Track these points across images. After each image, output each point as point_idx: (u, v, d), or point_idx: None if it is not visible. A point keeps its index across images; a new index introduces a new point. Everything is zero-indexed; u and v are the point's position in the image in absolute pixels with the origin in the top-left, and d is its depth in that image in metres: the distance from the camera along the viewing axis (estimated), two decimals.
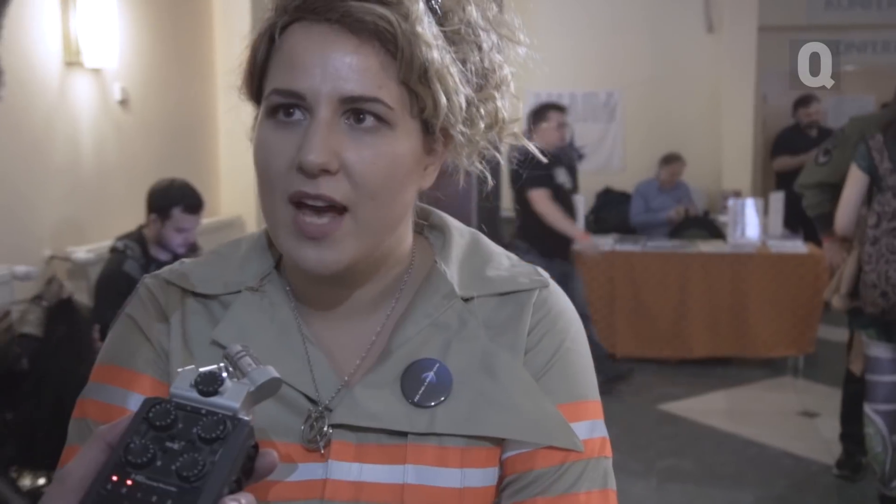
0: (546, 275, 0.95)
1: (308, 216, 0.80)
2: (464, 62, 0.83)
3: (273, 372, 0.68)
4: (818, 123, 7.38)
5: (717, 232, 6.79)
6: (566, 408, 0.88)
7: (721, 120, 8.27)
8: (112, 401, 0.86)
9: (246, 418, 0.65)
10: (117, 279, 3.34)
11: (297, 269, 0.89)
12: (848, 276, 3.47)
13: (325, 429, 0.84)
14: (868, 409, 3.47)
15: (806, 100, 7.38)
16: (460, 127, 0.83)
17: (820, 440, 4.62)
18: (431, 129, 0.84)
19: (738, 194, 7.19)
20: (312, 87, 0.79)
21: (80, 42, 4.15)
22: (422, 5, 0.79)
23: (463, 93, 0.82)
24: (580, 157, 8.78)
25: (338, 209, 0.80)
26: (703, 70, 8.47)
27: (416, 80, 0.79)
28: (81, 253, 4.07)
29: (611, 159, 8.85)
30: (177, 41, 5.11)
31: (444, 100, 0.80)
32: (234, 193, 5.59)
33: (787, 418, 5.02)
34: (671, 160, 7.11)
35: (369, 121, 0.80)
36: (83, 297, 3.96)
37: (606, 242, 6.12)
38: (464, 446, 0.84)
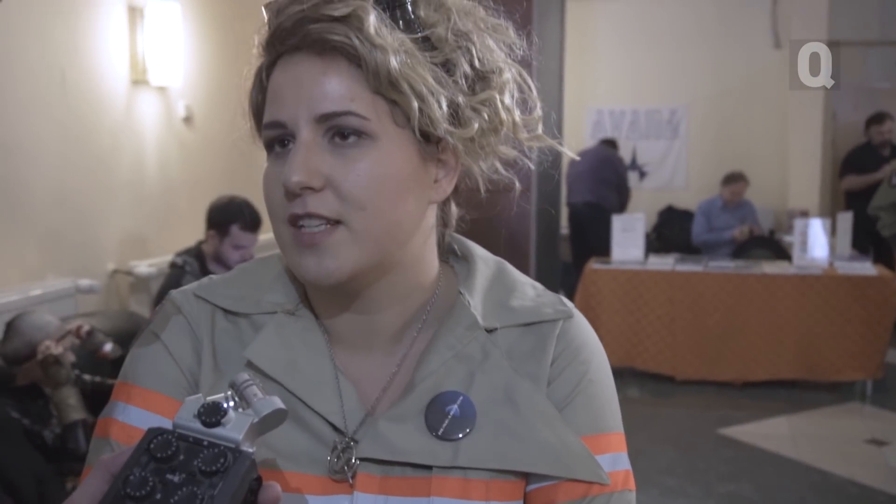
0: (570, 304, 0.94)
1: (305, 231, 0.82)
2: (452, 66, 0.83)
3: (278, 403, 0.67)
4: (892, 142, 7.17)
5: (782, 252, 6.64)
6: (589, 440, 0.87)
7: (788, 137, 8.10)
8: (132, 422, 0.86)
9: (249, 450, 0.64)
10: None
11: (319, 296, 0.90)
12: None
13: (353, 460, 0.83)
14: None
15: (879, 117, 7.19)
16: (446, 127, 0.82)
17: (888, 469, 4.47)
18: (422, 135, 0.84)
19: (805, 214, 7.03)
20: (290, 114, 0.82)
21: (146, 61, 4.26)
22: (374, 15, 0.80)
23: (444, 94, 0.82)
24: (642, 174, 8.70)
25: (331, 223, 0.81)
26: (770, 86, 8.31)
27: (386, 87, 0.80)
28: (143, 267, 4.16)
29: (674, 177, 8.73)
30: (241, 59, 5.19)
31: (415, 102, 0.81)
32: None
33: (854, 445, 4.86)
34: (733, 179, 6.98)
35: (351, 136, 0.81)
36: (145, 311, 4.04)
37: (667, 262, 6.03)
38: (488, 479, 0.84)
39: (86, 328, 3.07)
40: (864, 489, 4.25)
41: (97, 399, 2.94)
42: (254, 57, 0.88)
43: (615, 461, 0.88)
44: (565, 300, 0.94)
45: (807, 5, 7.81)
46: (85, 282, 3.75)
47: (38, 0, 3.63)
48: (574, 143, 7.78)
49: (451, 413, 0.85)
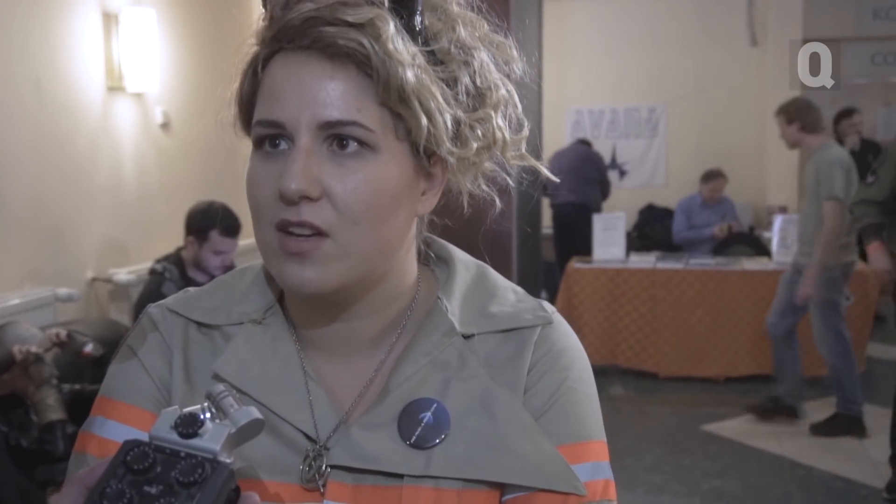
0: (551, 309, 0.92)
1: (292, 238, 0.80)
2: (454, 81, 0.82)
3: (255, 413, 0.67)
4: (861, 134, 7.22)
5: (762, 248, 6.68)
6: (567, 449, 0.85)
7: (766, 134, 8.15)
8: (110, 436, 0.85)
9: (226, 461, 0.64)
10: (156, 301, 3.36)
11: (296, 302, 0.89)
12: None
13: (324, 468, 0.82)
14: None
15: (848, 111, 7.27)
16: (448, 146, 0.81)
17: (869, 462, 4.50)
18: (423, 152, 0.82)
19: (783, 210, 7.08)
20: (291, 116, 0.79)
21: (122, 67, 4.23)
22: (392, 26, 0.78)
23: (449, 112, 0.80)
24: (622, 173, 8.73)
25: (321, 234, 0.79)
26: (747, 84, 8.37)
27: (395, 100, 0.78)
28: (123, 275, 4.13)
29: (653, 175, 8.77)
30: (218, 65, 5.16)
31: (424, 119, 0.79)
32: None
33: (836, 440, 4.89)
34: (712, 177, 7.02)
35: (351, 146, 0.79)
36: (125, 318, 4.01)
37: (648, 260, 6.05)
38: (460, 489, 0.82)
39: (63, 334, 3.06)
40: (848, 483, 4.28)
41: (77, 408, 2.91)
42: (247, 45, 0.84)
43: (595, 470, 0.86)
44: (546, 305, 0.92)
45: (782, 3, 7.87)
46: (64, 290, 3.72)
47: (11, 7, 3.60)
48: (554, 144, 7.78)
49: (425, 421, 0.83)
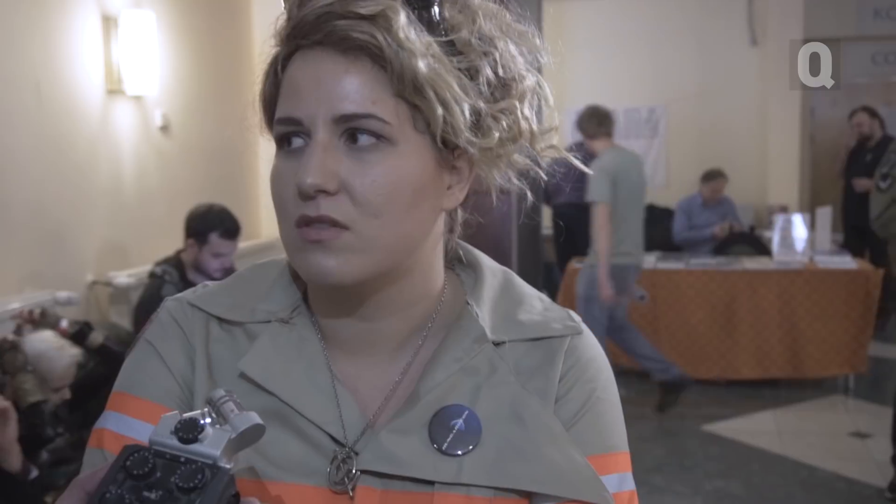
0: (579, 320, 0.91)
1: (312, 228, 0.79)
2: (475, 72, 0.81)
3: (256, 418, 0.66)
4: (862, 133, 7.19)
5: (762, 248, 6.66)
6: (596, 459, 0.84)
7: (767, 134, 8.15)
8: (124, 431, 0.84)
9: (226, 466, 0.64)
10: (156, 304, 3.31)
11: (321, 300, 0.87)
12: None
13: (353, 472, 0.81)
14: None
15: (853, 112, 7.25)
16: (468, 136, 0.80)
17: (872, 462, 4.49)
18: (444, 144, 0.81)
19: (784, 209, 7.07)
20: (308, 112, 0.78)
21: (121, 70, 4.24)
22: (403, 16, 0.77)
23: (467, 102, 0.79)
24: None
25: (340, 226, 0.79)
26: (748, 84, 8.36)
27: (410, 91, 0.78)
28: (123, 278, 4.13)
29: (654, 176, 8.74)
30: (217, 67, 5.18)
31: (440, 109, 0.78)
32: (273, 217, 5.57)
33: (839, 439, 4.89)
34: (712, 177, 7.01)
35: (367, 138, 0.78)
36: (125, 322, 4.01)
37: (649, 260, 6.04)
38: (491, 497, 0.81)
39: (36, 312, 3.10)
40: (850, 483, 4.28)
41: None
42: (268, 46, 0.84)
43: (621, 482, 0.86)
44: (574, 315, 0.92)
45: (783, 3, 7.86)
46: (63, 294, 3.71)
47: (11, 11, 3.60)
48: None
49: (456, 427, 0.82)
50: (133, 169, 4.43)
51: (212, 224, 3.56)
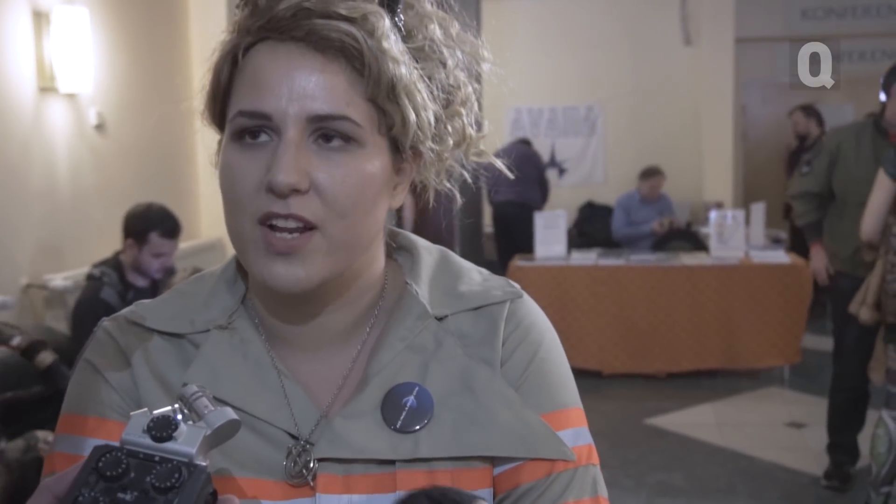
0: (517, 286, 0.93)
1: (278, 233, 0.78)
2: (430, 79, 0.82)
3: (230, 414, 0.65)
4: (802, 133, 7.39)
5: (700, 244, 6.79)
6: (548, 417, 0.87)
7: (701, 131, 8.30)
8: (77, 451, 0.82)
9: (203, 464, 0.62)
10: (94, 307, 3.28)
11: (267, 299, 0.87)
12: (874, 286, 3.39)
13: (311, 463, 0.82)
14: (886, 414, 3.39)
15: (792, 111, 7.51)
16: (430, 144, 0.83)
17: (808, 451, 4.61)
18: (400, 147, 0.83)
19: (719, 206, 7.21)
20: (279, 108, 0.77)
21: (54, 68, 4.12)
22: (387, 21, 0.78)
23: (431, 109, 0.81)
24: (561, 171, 8.80)
25: (307, 227, 0.79)
26: (683, 83, 8.51)
27: (383, 97, 0.78)
28: (59, 280, 4.01)
29: (592, 173, 8.86)
30: (153, 64, 5.07)
31: (412, 116, 0.80)
32: (214, 216, 5.55)
33: (776, 430, 5.00)
34: (650, 174, 7.11)
35: (338, 140, 0.78)
36: (61, 325, 3.90)
37: (589, 257, 6.10)
38: (453, 469, 0.83)
39: None
40: (788, 472, 4.38)
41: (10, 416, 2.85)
42: (225, 35, 0.82)
43: (576, 436, 0.88)
44: (512, 282, 0.94)
45: (714, 4, 8.02)
46: None
47: None
48: (493, 143, 7.79)
49: (408, 405, 0.84)
50: (68, 168, 4.31)
51: (152, 223, 3.48)
